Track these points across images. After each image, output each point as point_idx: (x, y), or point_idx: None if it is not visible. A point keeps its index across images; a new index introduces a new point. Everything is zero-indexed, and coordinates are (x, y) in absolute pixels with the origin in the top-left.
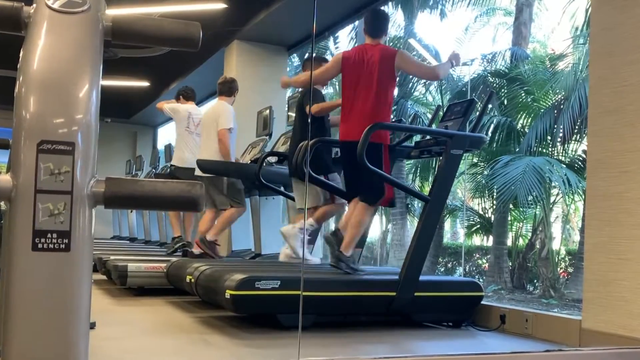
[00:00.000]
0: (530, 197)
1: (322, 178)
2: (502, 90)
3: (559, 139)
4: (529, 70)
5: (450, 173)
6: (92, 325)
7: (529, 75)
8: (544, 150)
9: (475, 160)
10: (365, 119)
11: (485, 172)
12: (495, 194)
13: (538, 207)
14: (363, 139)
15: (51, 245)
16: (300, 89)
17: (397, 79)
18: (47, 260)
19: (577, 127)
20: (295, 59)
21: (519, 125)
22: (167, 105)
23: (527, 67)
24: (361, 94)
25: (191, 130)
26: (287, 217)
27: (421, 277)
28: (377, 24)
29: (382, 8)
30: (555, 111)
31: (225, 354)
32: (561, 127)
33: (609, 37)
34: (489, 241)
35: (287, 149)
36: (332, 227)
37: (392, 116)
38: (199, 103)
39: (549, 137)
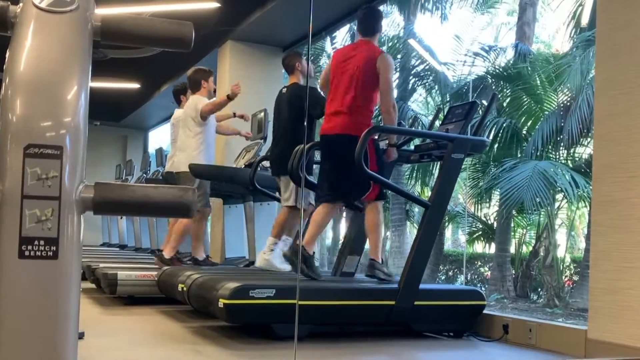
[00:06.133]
0: (534, 204)
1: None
2: (504, 90)
3: (562, 144)
4: (532, 70)
5: (451, 178)
6: (81, 335)
7: (532, 75)
8: (550, 155)
9: (474, 163)
10: (344, 114)
11: (485, 176)
12: (498, 199)
13: (542, 213)
14: (361, 143)
15: (38, 253)
16: (286, 86)
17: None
18: (35, 268)
19: (585, 129)
20: None
21: (521, 127)
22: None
23: (530, 67)
24: (342, 90)
25: None
26: None
27: (421, 286)
28: (369, 22)
29: (380, 8)
30: (562, 112)
31: None
32: (568, 128)
33: (617, 37)
34: (491, 248)
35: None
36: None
37: None
38: None
39: (552, 144)
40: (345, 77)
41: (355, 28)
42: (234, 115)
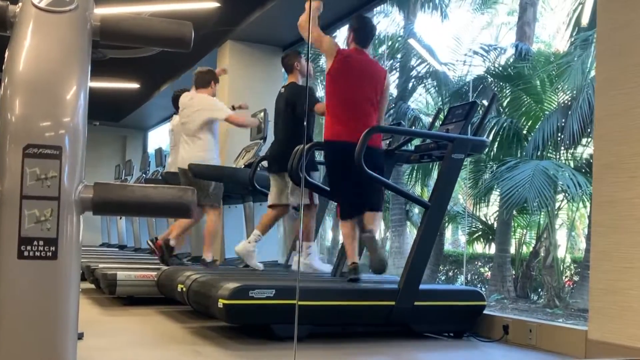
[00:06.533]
0: (535, 203)
1: (316, 182)
2: (505, 90)
3: (562, 145)
4: (532, 69)
5: (451, 178)
6: (80, 336)
7: (532, 74)
8: (550, 155)
9: (473, 162)
10: (367, 125)
11: (484, 176)
12: (498, 199)
13: (542, 213)
14: (361, 143)
15: (37, 253)
16: (284, 86)
17: None
18: (34, 269)
19: (585, 129)
20: None
21: (521, 127)
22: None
23: (530, 67)
24: (363, 100)
25: None
26: (282, 224)
27: (421, 286)
28: (369, 34)
29: (380, 7)
30: (563, 111)
31: None
32: (569, 128)
33: (617, 37)
34: (491, 249)
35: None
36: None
37: (391, 119)
38: None
39: (553, 143)
40: (365, 88)
41: (350, 35)
42: (233, 108)
